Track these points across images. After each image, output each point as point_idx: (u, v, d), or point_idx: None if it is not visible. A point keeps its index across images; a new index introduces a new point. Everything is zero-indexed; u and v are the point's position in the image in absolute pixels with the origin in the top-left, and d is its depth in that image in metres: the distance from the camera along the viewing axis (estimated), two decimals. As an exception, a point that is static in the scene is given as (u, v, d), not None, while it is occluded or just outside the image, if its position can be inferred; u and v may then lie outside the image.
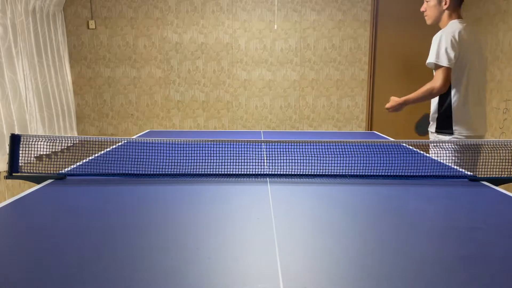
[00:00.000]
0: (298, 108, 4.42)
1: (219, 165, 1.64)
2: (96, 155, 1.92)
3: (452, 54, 2.09)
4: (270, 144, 2.10)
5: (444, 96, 2.18)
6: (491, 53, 3.59)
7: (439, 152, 2.09)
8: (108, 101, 4.36)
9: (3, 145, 3.06)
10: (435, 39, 2.15)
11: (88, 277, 0.76)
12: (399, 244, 0.92)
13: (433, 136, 2.30)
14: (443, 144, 2.08)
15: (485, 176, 1.53)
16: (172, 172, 1.54)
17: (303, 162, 1.75)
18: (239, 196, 1.30)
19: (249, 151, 1.92)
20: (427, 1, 2.23)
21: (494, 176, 1.51)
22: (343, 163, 1.72)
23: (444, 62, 2.10)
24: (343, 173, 1.57)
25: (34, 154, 1.54)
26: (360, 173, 1.58)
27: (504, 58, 3.40)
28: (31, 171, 1.48)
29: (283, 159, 1.78)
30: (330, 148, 1.88)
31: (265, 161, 1.79)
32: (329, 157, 1.78)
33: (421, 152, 2.09)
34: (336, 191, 1.36)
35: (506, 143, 1.58)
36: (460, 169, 1.68)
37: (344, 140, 1.63)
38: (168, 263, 0.81)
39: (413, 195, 1.32)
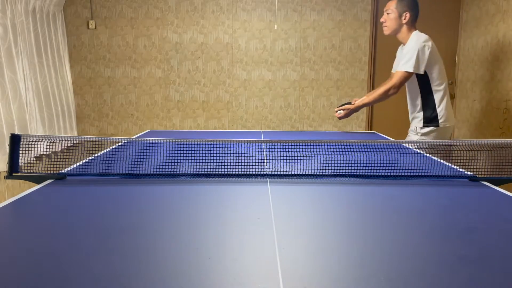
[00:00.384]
0: (298, 108, 4.42)
1: (219, 165, 1.64)
2: (96, 155, 1.92)
3: (422, 61, 2.38)
4: (270, 144, 2.10)
5: (428, 95, 2.47)
6: (491, 53, 3.59)
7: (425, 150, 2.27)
8: (108, 101, 4.36)
9: (3, 145, 3.06)
10: (410, 47, 2.42)
11: (88, 277, 0.76)
12: (399, 244, 0.92)
13: (414, 133, 2.58)
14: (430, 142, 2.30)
15: (485, 176, 1.53)
16: (172, 172, 1.54)
17: (303, 162, 1.75)
18: (239, 196, 1.30)
19: (249, 151, 1.91)
20: (388, 13, 2.48)
21: (494, 176, 1.51)
22: (343, 163, 1.72)
23: (410, 68, 2.38)
24: (343, 173, 1.57)
25: (34, 154, 1.54)
26: (360, 173, 1.58)
27: (504, 58, 3.40)
28: (31, 171, 1.48)
29: (283, 159, 1.78)
30: (330, 148, 1.88)
31: (265, 161, 1.79)
32: (329, 157, 1.78)
33: (421, 152, 2.09)
34: (336, 191, 1.36)
35: (506, 143, 1.58)
36: (460, 169, 1.68)
37: (344, 140, 1.63)
38: (168, 263, 0.81)
39: (413, 195, 1.32)
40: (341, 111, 2.71)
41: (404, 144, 2.27)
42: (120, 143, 2.24)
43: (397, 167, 1.63)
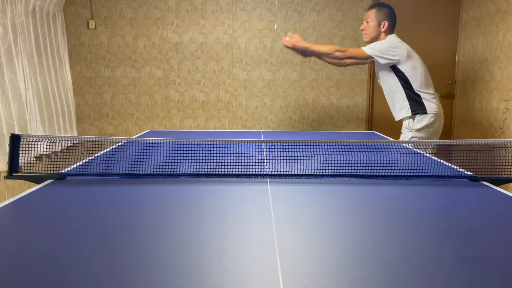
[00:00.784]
0: (298, 108, 4.42)
1: (219, 165, 1.64)
2: (96, 155, 1.92)
3: (385, 54, 2.46)
4: (270, 144, 2.10)
5: (407, 85, 2.53)
6: (491, 53, 3.59)
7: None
8: (108, 101, 4.36)
9: (3, 145, 3.06)
10: (383, 41, 2.54)
11: (88, 277, 0.76)
12: (399, 244, 0.92)
13: (407, 121, 2.61)
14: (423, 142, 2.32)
15: (485, 176, 1.53)
16: (172, 172, 1.55)
17: (303, 162, 1.75)
18: (239, 196, 1.30)
19: (249, 151, 1.91)
20: (367, 22, 2.61)
21: (494, 176, 1.51)
22: (343, 163, 1.72)
23: (368, 49, 2.48)
24: (343, 173, 1.57)
25: (34, 154, 1.54)
26: (360, 173, 1.58)
27: (504, 58, 3.40)
28: (31, 171, 1.48)
29: (283, 159, 1.78)
30: (330, 148, 1.88)
31: (265, 161, 1.80)
32: (329, 157, 1.78)
33: (421, 152, 2.09)
34: (336, 191, 1.36)
35: (506, 143, 1.58)
36: (460, 169, 1.68)
37: (344, 140, 1.63)
38: (169, 263, 0.81)
39: (413, 195, 1.32)
40: (291, 39, 2.53)
41: (404, 144, 2.27)
42: (120, 143, 2.24)
43: (397, 167, 1.63)
